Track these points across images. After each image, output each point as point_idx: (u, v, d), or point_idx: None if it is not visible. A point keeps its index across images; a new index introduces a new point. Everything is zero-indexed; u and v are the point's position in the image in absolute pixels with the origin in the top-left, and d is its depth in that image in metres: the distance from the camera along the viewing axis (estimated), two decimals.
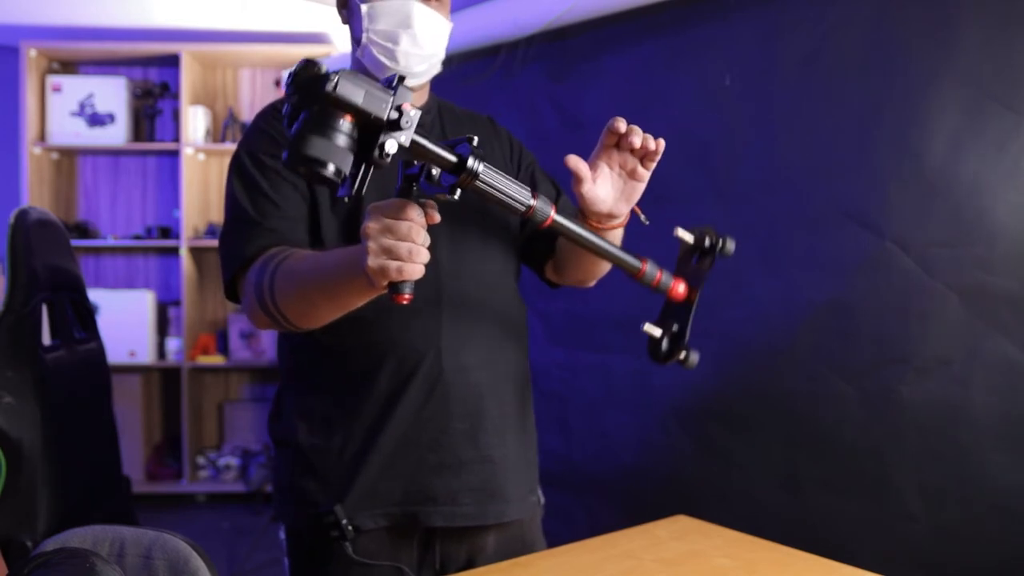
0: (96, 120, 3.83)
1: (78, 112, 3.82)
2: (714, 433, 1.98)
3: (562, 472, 2.26)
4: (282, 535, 1.28)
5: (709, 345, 2.01)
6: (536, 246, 1.37)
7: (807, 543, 1.24)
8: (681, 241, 1.13)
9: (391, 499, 1.20)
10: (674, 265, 1.18)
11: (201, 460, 3.93)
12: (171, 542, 1.02)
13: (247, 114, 4.10)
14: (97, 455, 1.84)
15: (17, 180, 3.77)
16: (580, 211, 1.18)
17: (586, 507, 2.26)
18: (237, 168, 1.21)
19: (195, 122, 3.87)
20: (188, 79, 3.84)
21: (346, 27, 1.31)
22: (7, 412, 1.56)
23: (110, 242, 3.94)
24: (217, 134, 4.03)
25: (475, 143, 0.88)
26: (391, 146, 0.82)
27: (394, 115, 0.81)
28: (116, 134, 3.84)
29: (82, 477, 1.73)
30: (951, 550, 1.58)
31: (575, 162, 1.09)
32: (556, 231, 1.00)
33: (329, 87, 0.78)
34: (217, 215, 4.10)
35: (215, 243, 3.84)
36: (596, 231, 1.19)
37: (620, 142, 1.09)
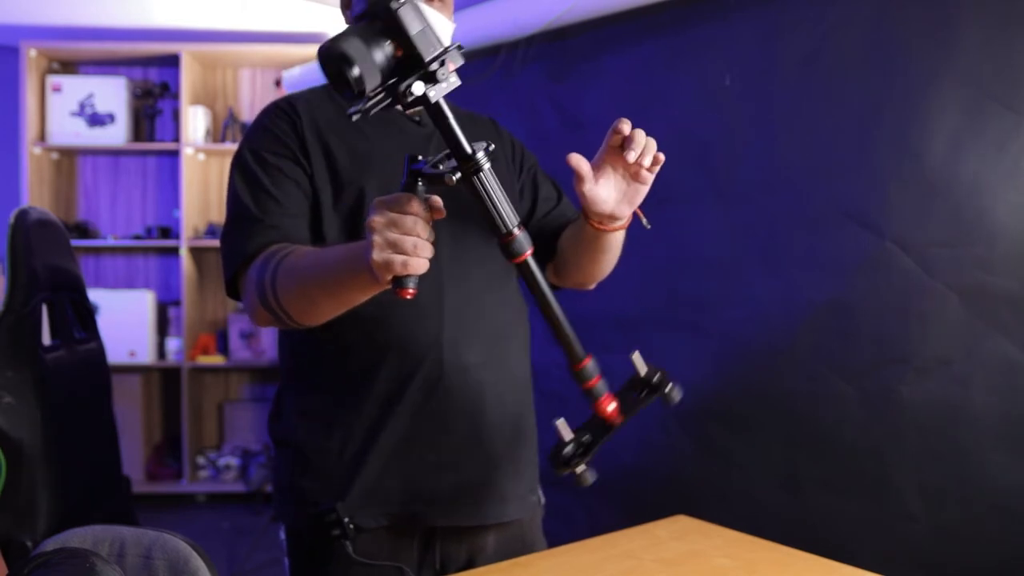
0: (96, 120, 3.83)
1: (78, 112, 3.82)
2: (714, 433, 1.98)
3: None
4: (282, 535, 1.28)
5: (709, 345, 2.02)
6: (537, 248, 1.37)
7: (807, 543, 1.24)
8: (634, 366, 1.10)
9: (391, 498, 1.20)
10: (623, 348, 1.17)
11: (201, 460, 3.93)
12: (171, 542, 1.02)
13: (247, 114, 4.10)
14: (97, 455, 1.84)
15: (17, 180, 3.77)
16: (582, 211, 1.18)
17: (586, 507, 2.26)
18: (240, 165, 1.21)
19: (195, 122, 3.87)
20: (188, 79, 3.84)
21: None
22: (7, 412, 1.56)
23: (110, 242, 3.94)
24: (217, 134, 4.03)
25: (491, 148, 0.89)
26: (417, 88, 0.83)
27: (435, 66, 0.83)
28: (116, 134, 3.84)
29: (82, 477, 1.73)
30: (951, 550, 1.58)
31: (577, 161, 1.09)
32: (523, 272, 0.95)
33: (395, 5, 0.80)
34: (217, 215, 4.10)
35: (215, 243, 3.84)
36: (598, 232, 1.19)
37: (624, 143, 1.07)
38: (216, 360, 3.91)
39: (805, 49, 1.80)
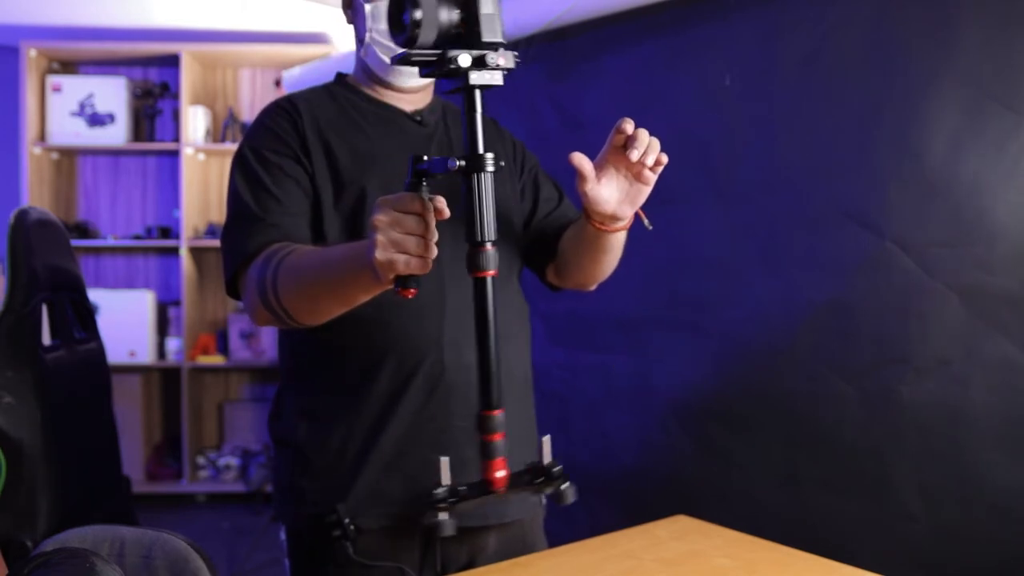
0: (96, 120, 3.84)
1: (78, 112, 3.83)
2: (714, 433, 1.98)
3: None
4: (282, 536, 1.28)
5: (709, 345, 2.02)
6: (538, 249, 1.37)
7: (807, 543, 1.24)
8: (540, 450, 1.04)
9: (392, 499, 1.20)
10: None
11: (201, 460, 3.93)
12: (171, 542, 1.02)
13: (247, 114, 4.10)
14: (97, 455, 1.84)
15: (17, 180, 3.77)
16: (584, 211, 1.18)
17: (587, 507, 2.26)
18: (240, 164, 1.21)
19: (195, 122, 3.87)
20: (188, 79, 3.84)
21: (350, 28, 1.31)
22: (7, 412, 1.56)
23: (110, 242, 3.94)
24: (217, 134, 4.04)
25: (501, 164, 0.89)
26: (464, 60, 0.84)
27: (490, 51, 0.84)
28: (116, 134, 3.84)
29: (82, 477, 1.73)
30: (951, 550, 1.58)
31: (579, 160, 1.08)
32: (477, 290, 0.90)
33: None
34: (217, 215, 4.10)
35: (215, 243, 3.84)
36: (599, 232, 1.19)
37: (627, 143, 1.07)
38: (216, 360, 3.91)
39: (805, 49, 1.80)
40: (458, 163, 0.87)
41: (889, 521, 1.66)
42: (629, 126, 1.06)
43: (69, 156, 4.07)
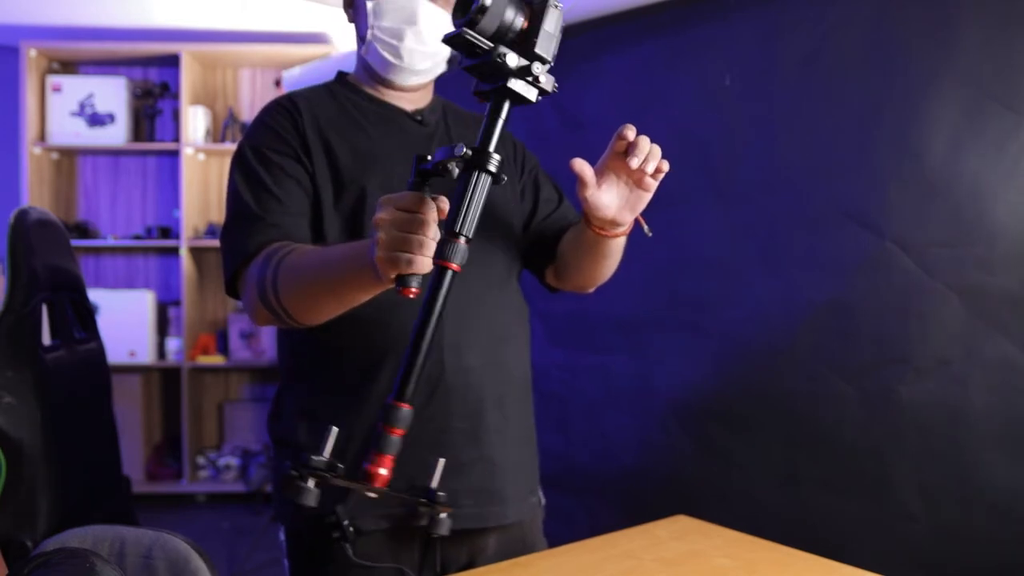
0: (96, 120, 3.84)
1: (78, 112, 3.83)
2: (714, 433, 1.98)
3: (562, 473, 2.26)
4: (282, 536, 1.28)
5: (709, 345, 2.02)
6: (538, 251, 1.37)
7: (807, 543, 1.24)
8: (432, 471, 1.02)
9: (392, 501, 1.20)
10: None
11: (201, 460, 3.93)
12: (171, 542, 1.02)
13: (247, 114, 4.11)
14: (97, 455, 1.84)
15: (17, 180, 3.77)
16: (583, 216, 1.18)
17: (587, 508, 2.26)
18: (240, 162, 1.21)
19: (195, 122, 3.87)
20: (188, 79, 3.84)
21: (351, 27, 1.31)
22: (7, 412, 1.56)
23: (110, 242, 3.94)
24: (217, 134, 4.04)
25: (504, 179, 0.89)
26: (512, 59, 0.84)
27: (538, 65, 0.86)
28: (116, 134, 3.84)
29: (82, 477, 1.73)
30: (951, 550, 1.58)
31: (580, 166, 1.08)
32: (435, 279, 0.88)
33: (553, 1, 0.86)
34: (217, 215, 4.10)
35: (215, 243, 3.85)
36: (599, 237, 1.19)
37: (628, 149, 1.06)
38: (216, 360, 3.91)
39: (805, 49, 1.80)
40: (465, 150, 0.86)
41: (889, 521, 1.66)
42: (631, 132, 1.05)
43: (69, 156, 4.07)
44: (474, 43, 0.84)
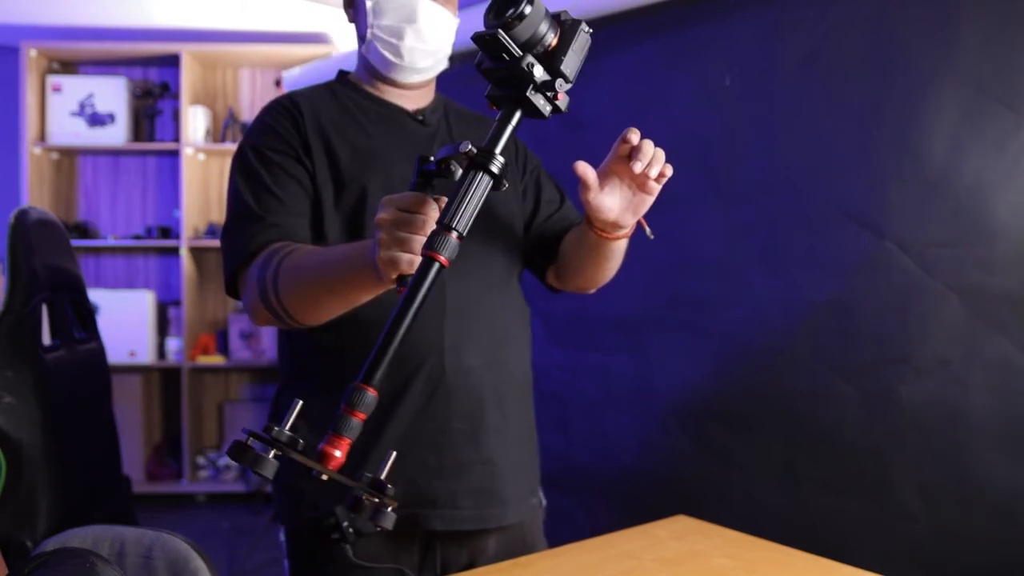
0: (96, 120, 3.84)
1: (78, 112, 3.83)
2: (714, 433, 1.98)
3: (563, 473, 2.26)
4: (282, 537, 1.28)
5: (709, 345, 2.02)
6: (539, 251, 1.37)
7: (807, 543, 1.24)
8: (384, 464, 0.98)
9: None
10: None
11: (201, 460, 3.93)
12: (171, 542, 1.02)
13: (247, 114, 4.11)
14: (97, 455, 1.84)
15: (17, 180, 3.77)
16: (585, 218, 1.18)
17: (587, 508, 2.26)
18: (241, 162, 1.20)
19: (195, 122, 3.87)
20: (188, 79, 3.84)
21: (351, 26, 1.31)
22: (7, 412, 1.56)
23: (110, 242, 3.94)
24: (217, 134, 4.04)
25: (505, 186, 0.88)
26: (539, 71, 0.84)
27: (561, 80, 0.85)
28: (116, 134, 3.84)
29: (82, 477, 1.73)
30: (951, 550, 1.58)
31: (583, 169, 1.08)
32: (420, 268, 0.83)
33: (585, 28, 0.86)
34: (217, 215, 4.10)
35: (215, 243, 3.84)
36: (601, 239, 1.19)
37: (632, 153, 1.05)
38: (216, 360, 3.91)
39: (805, 49, 1.80)
40: (471, 147, 0.85)
41: (889, 521, 1.66)
42: (635, 136, 1.05)
43: (69, 156, 4.07)
44: (504, 47, 0.83)
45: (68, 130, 3.81)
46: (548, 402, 2.30)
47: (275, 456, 0.78)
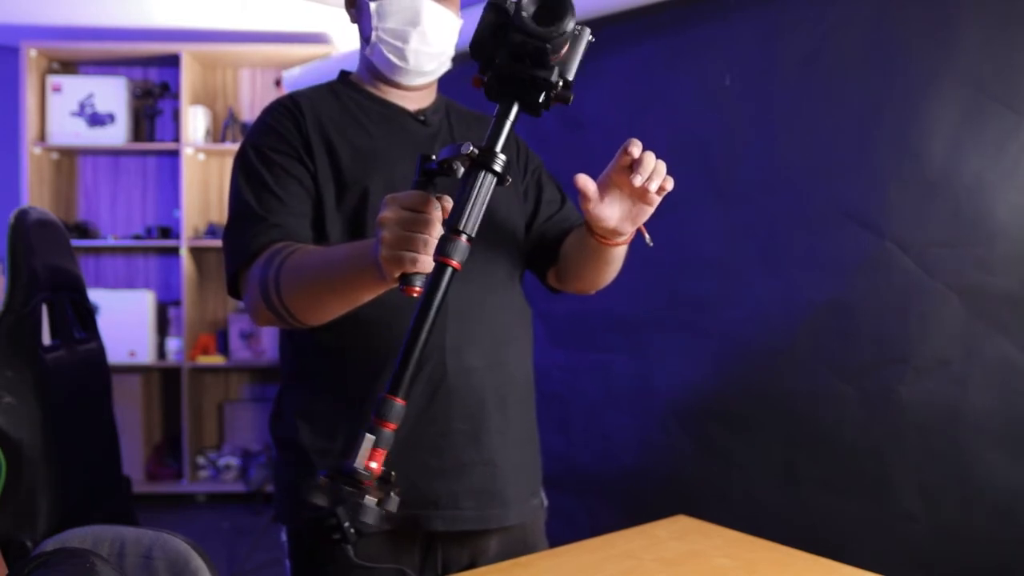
0: (96, 120, 3.83)
1: (78, 112, 3.82)
2: (714, 433, 1.98)
3: (563, 473, 2.26)
4: (284, 537, 1.28)
5: (709, 345, 2.02)
6: (540, 252, 1.37)
7: (807, 543, 1.24)
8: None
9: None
10: None
11: (201, 460, 3.93)
12: (171, 542, 1.02)
13: (247, 114, 4.10)
14: (97, 455, 1.84)
15: (17, 180, 3.77)
16: (585, 225, 1.18)
17: (587, 508, 2.26)
18: (243, 163, 1.20)
19: (195, 122, 3.87)
20: (188, 79, 3.84)
21: (354, 26, 1.31)
22: (7, 412, 1.56)
23: (110, 242, 3.94)
24: (217, 134, 4.03)
25: (508, 181, 0.89)
26: (555, 76, 0.86)
27: (561, 84, 0.87)
28: (116, 134, 3.84)
29: (82, 477, 1.73)
30: (951, 550, 1.58)
31: (583, 182, 1.07)
32: (434, 275, 0.86)
33: (589, 37, 0.91)
34: (217, 215, 4.09)
35: (215, 243, 3.84)
36: (600, 245, 1.19)
37: (633, 166, 1.05)
38: (216, 360, 3.91)
39: (805, 49, 1.80)
40: (472, 148, 0.86)
41: (889, 521, 1.66)
42: (636, 149, 1.04)
43: (69, 156, 4.06)
44: (545, 60, 0.85)
45: (68, 130, 3.81)
46: (549, 403, 2.30)
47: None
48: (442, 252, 0.84)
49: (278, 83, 4.01)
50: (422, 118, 1.29)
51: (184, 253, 3.85)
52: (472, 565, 1.25)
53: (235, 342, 3.93)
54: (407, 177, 1.17)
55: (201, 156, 4.04)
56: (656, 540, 1.26)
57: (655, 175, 1.05)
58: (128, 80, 3.91)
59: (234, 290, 1.19)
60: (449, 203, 0.88)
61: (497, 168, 0.86)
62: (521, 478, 1.29)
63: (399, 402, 0.85)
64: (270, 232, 1.14)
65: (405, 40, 1.21)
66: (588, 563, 1.17)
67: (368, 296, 1.03)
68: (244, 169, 1.20)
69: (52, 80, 3.82)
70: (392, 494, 0.84)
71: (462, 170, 0.86)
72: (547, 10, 0.84)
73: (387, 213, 0.88)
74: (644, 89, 2.12)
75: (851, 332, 1.72)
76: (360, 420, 1.19)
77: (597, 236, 1.16)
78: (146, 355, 3.84)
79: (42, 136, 3.82)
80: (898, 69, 1.66)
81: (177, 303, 3.93)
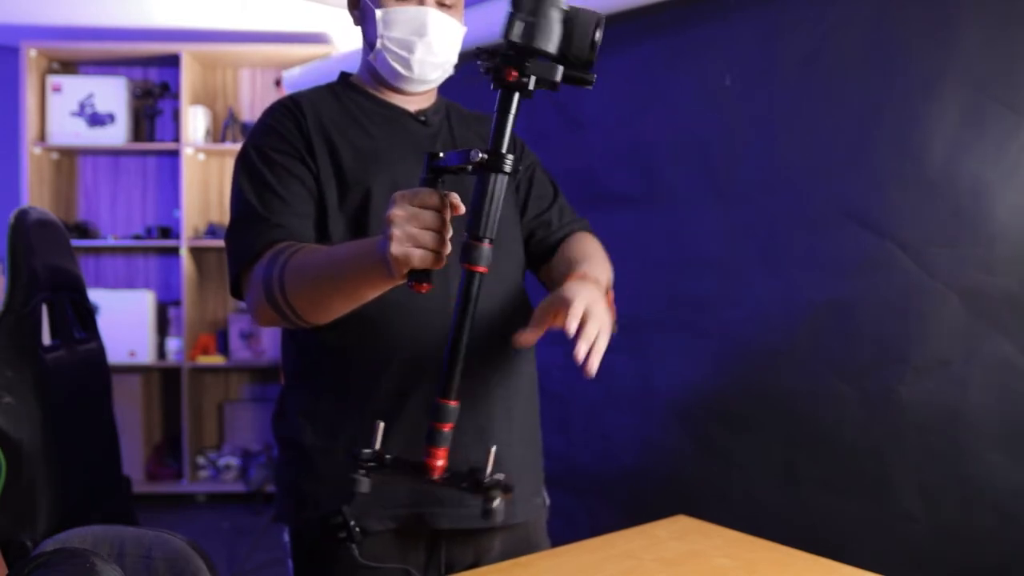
0: (96, 120, 3.83)
1: (78, 112, 3.82)
2: (714, 433, 1.98)
3: (563, 473, 2.26)
4: (286, 537, 1.28)
5: (709, 345, 2.02)
6: (529, 249, 1.37)
7: (807, 543, 1.24)
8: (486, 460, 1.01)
9: (397, 501, 1.19)
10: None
11: (201, 460, 3.93)
12: (171, 542, 1.02)
13: (247, 114, 4.11)
14: (97, 455, 1.84)
15: (17, 180, 3.77)
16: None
17: (587, 508, 2.26)
18: (244, 164, 1.21)
19: (195, 122, 3.87)
20: (188, 79, 3.84)
21: (356, 28, 1.31)
22: (7, 412, 1.56)
23: (110, 242, 3.94)
24: (217, 134, 4.04)
25: (519, 168, 0.91)
26: (559, 74, 0.90)
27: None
28: (116, 134, 3.84)
29: (82, 477, 1.73)
30: (951, 550, 1.58)
31: (523, 339, 1.09)
32: (466, 283, 0.90)
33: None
34: (217, 215, 4.10)
35: (215, 243, 3.85)
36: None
37: (574, 338, 1.06)
38: (216, 360, 3.91)
39: (805, 49, 1.80)
40: (480, 156, 0.88)
41: (889, 521, 1.66)
42: (573, 325, 1.04)
43: (69, 156, 4.06)
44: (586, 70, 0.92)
45: (68, 130, 3.81)
46: (549, 402, 2.29)
47: (366, 474, 0.96)
48: (468, 259, 0.88)
49: (278, 83, 4.01)
50: (422, 118, 1.29)
51: (184, 253, 3.85)
52: (476, 563, 1.25)
53: (235, 342, 3.93)
54: (408, 177, 1.18)
55: (201, 156, 4.04)
56: (656, 540, 1.26)
57: (594, 352, 1.06)
58: (128, 80, 3.91)
59: (237, 291, 1.19)
60: (456, 200, 0.90)
61: (507, 169, 0.88)
62: (525, 477, 1.29)
63: (452, 403, 0.94)
64: (273, 232, 1.14)
65: (410, 50, 1.21)
66: (588, 563, 1.17)
67: (373, 294, 1.03)
68: (246, 170, 1.20)
69: (52, 80, 3.82)
70: (497, 502, 0.93)
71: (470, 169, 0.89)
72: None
73: (396, 210, 0.89)
74: (644, 89, 2.12)
75: (851, 332, 1.72)
76: (361, 420, 1.19)
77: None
78: (146, 355, 3.84)
79: (42, 136, 3.82)
80: (898, 69, 1.66)
81: (177, 303, 3.93)
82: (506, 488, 0.95)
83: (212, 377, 4.10)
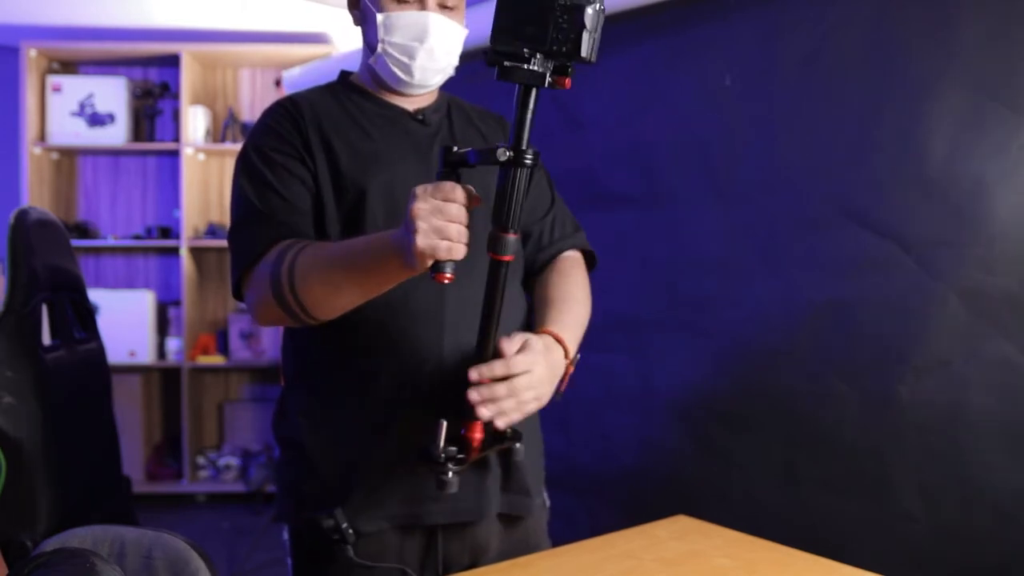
0: (96, 120, 3.84)
1: (78, 112, 3.82)
2: (714, 433, 1.98)
3: (563, 473, 2.26)
4: (285, 535, 1.28)
5: (709, 345, 2.02)
6: (525, 263, 1.37)
7: (807, 543, 1.24)
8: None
9: (394, 501, 1.19)
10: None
11: (201, 460, 3.93)
12: (171, 542, 1.02)
13: (247, 114, 4.11)
14: (97, 455, 1.84)
15: (17, 180, 3.77)
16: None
17: (587, 508, 2.26)
18: (245, 165, 1.21)
19: (195, 122, 3.87)
20: (188, 79, 3.84)
21: (356, 28, 1.31)
22: (7, 412, 1.56)
23: (110, 242, 3.94)
24: (217, 134, 4.04)
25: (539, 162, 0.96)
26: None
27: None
28: (116, 134, 3.84)
29: (82, 477, 1.73)
30: (951, 550, 1.58)
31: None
32: (492, 271, 1.01)
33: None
34: (217, 215, 4.10)
35: (215, 243, 3.85)
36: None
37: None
38: (216, 360, 3.91)
39: (805, 49, 1.80)
40: (508, 153, 0.94)
41: (889, 521, 1.66)
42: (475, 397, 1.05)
43: (69, 156, 4.07)
44: (558, 21, 0.97)
45: (68, 130, 3.81)
46: (549, 402, 2.29)
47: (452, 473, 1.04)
48: (495, 249, 0.96)
49: (278, 83, 4.01)
50: (420, 117, 1.29)
51: (184, 253, 3.86)
52: (473, 563, 1.25)
53: (235, 342, 3.93)
54: (406, 178, 1.18)
55: (201, 156, 4.04)
56: (656, 540, 1.26)
57: (500, 413, 1.06)
58: (128, 80, 3.91)
59: (239, 293, 1.19)
60: (473, 191, 0.94)
61: (528, 163, 0.94)
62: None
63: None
64: (276, 230, 1.14)
65: (411, 56, 1.21)
66: (588, 563, 1.17)
67: (389, 286, 1.06)
68: (246, 171, 1.20)
69: (52, 80, 3.82)
70: (519, 445, 1.12)
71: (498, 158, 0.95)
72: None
73: (420, 204, 0.92)
74: (644, 89, 2.12)
75: (851, 332, 1.72)
76: (361, 420, 1.19)
77: None
78: (146, 355, 3.84)
79: (42, 136, 3.82)
80: (898, 69, 1.66)
81: (177, 303, 3.93)
82: (515, 434, 1.10)
83: (212, 377, 4.10)
